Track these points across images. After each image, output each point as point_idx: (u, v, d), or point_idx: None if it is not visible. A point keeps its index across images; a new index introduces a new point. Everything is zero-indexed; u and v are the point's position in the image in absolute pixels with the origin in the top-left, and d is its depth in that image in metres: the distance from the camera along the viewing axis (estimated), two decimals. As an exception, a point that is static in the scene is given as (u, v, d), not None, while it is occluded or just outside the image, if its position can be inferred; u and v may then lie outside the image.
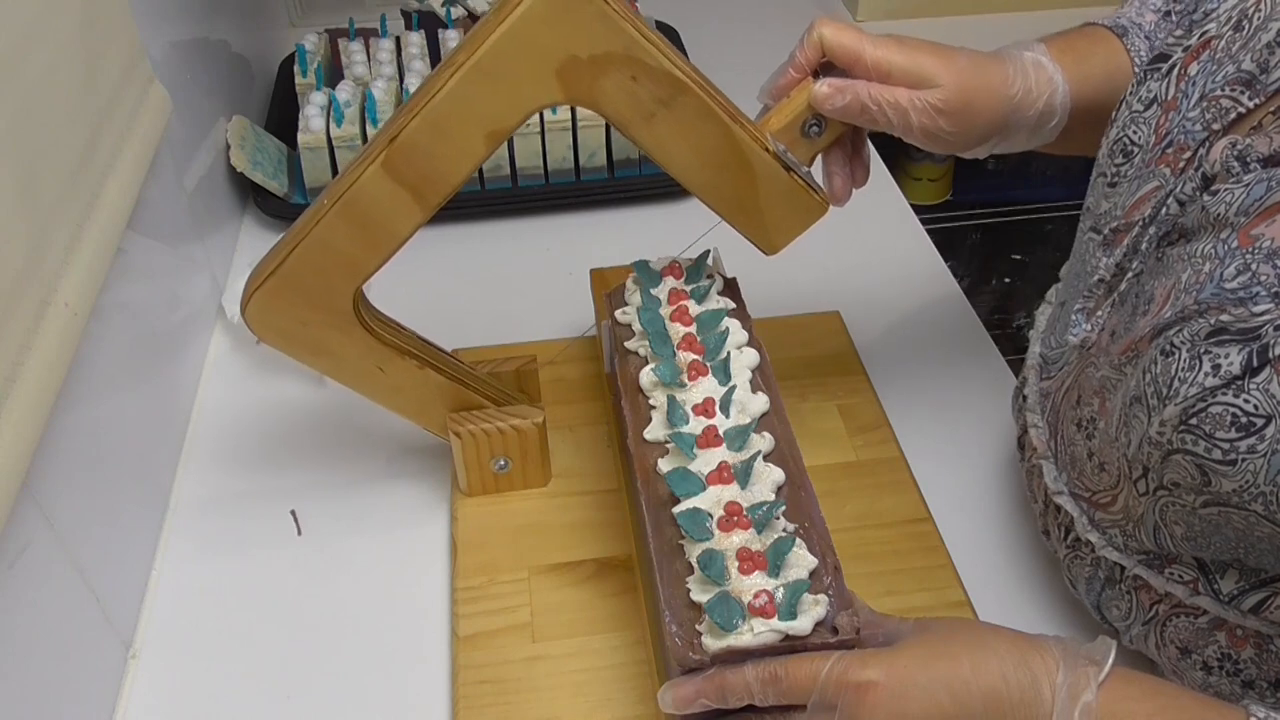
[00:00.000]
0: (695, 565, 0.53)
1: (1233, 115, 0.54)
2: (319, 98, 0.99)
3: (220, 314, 0.91)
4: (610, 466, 0.77)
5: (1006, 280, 1.47)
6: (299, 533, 0.74)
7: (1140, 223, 0.57)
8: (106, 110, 0.68)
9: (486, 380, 0.73)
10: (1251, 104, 0.53)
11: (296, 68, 1.06)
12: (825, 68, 0.64)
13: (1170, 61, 0.59)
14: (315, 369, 0.67)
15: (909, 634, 0.52)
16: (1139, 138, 0.59)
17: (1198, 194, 0.53)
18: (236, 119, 1.00)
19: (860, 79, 0.62)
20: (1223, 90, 0.54)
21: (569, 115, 0.99)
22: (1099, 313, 0.61)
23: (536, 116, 0.98)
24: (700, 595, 0.52)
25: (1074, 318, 0.62)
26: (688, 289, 0.69)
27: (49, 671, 0.58)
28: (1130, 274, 0.58)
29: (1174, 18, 0.67)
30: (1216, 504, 0.49)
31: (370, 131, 0.96)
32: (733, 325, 0.66)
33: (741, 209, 0.65)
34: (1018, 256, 1.43)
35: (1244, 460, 0.46)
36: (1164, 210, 0.55)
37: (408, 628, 0.68)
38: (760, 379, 0.64)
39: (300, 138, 0.96)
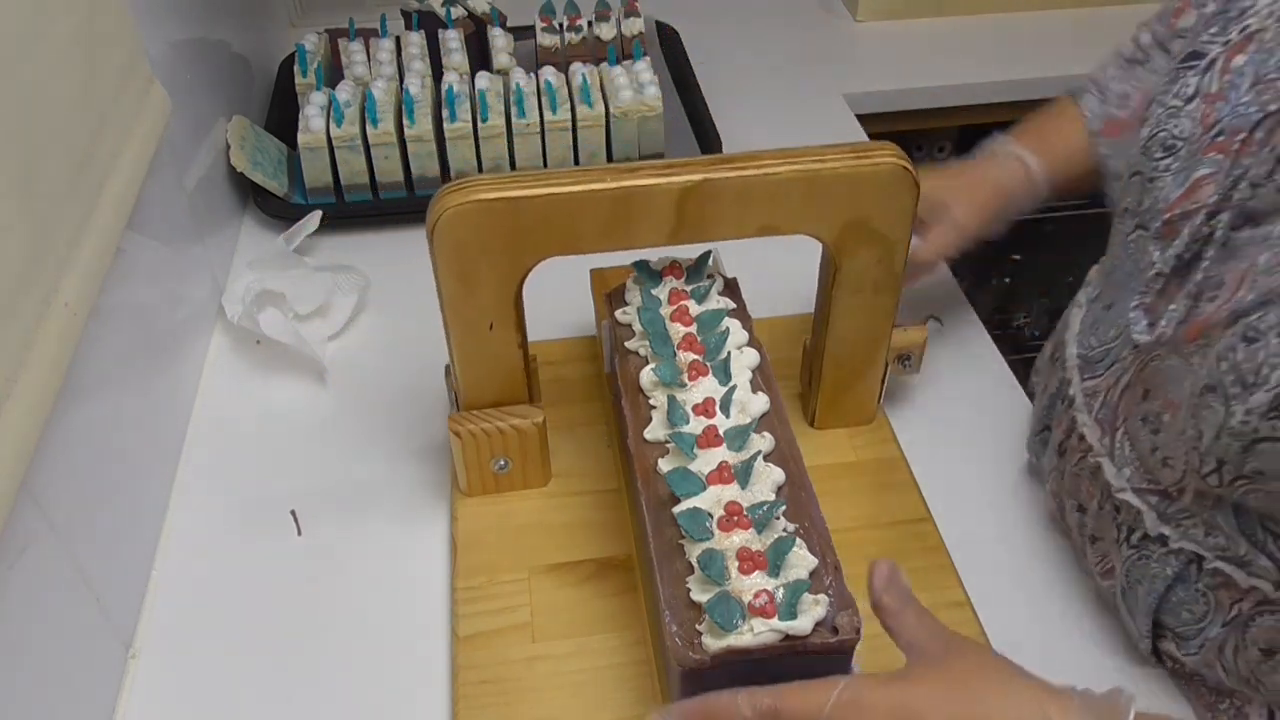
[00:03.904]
0: (695, 565, 0.53)
1: None
2: (319, 98, 0.99)
3: (220, 314, 0.91)
4: (610, 466, 0.77)
5: (1006, 280, 1.47)
6: (299, 533, 0.74)
7: (1203, 211, 0.57)
8: (106, 110, 0.68)
9: (533, 383, 0.74)
10: None
11: (296, 68, 1.06)
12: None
13: (1209, 58, 0.60)
14: (442, 290, 0.64)
15: (927, 660, 0.50)
16: (1181, 131, 0.60)
17: (1271, 176, 0.53)
18: (236, 119, 1.00)
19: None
20: (1277, 73, 0.55)
21: (569, 115, 0.99)
22: (1162, 306, 0.60)
23: (536, 115, 0.98)
24: (700, 595, 0.52)
25: (1132, 315, 0.62)
26: (688, 289, 0.69)
27: (49, 671, 0.58)
28: (1204, 261, 0.57)
29: (1138, 67, 0.78)
30: None
31: (370, 131, 0.96)
32: (733, 325, 0.66)
33: (834, 384, 0.75)
34: (1018, 257, 1.44)
35: None
36: (1234, 195, 0.56)
37: (408, 628, 0.68)
38: (760, 379, 0.64)
39: (300, 138, 0.96)
